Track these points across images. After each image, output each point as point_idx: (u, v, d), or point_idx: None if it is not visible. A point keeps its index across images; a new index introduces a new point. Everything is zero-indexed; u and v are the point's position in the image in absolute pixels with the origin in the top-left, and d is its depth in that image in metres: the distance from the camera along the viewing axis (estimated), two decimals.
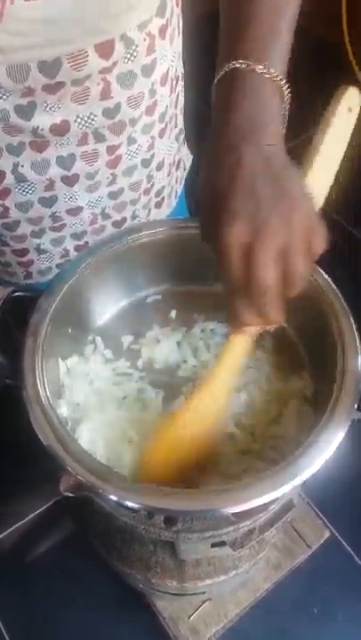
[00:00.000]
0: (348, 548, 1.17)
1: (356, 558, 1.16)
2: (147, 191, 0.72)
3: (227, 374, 0.54)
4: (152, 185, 0.73)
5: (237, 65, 0.47)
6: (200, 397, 0.54)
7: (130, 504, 0.46)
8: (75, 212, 0.67)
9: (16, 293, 0.59)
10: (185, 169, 0.84)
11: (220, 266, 0.43)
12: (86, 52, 0.51)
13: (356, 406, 0.50)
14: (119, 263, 0.64)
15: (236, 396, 0.61)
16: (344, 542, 1.17)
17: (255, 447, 0.59)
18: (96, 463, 0.48)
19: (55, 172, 0.61)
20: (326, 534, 1.02)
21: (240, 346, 0.52)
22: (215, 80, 0.49)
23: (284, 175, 0.43)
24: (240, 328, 0.50)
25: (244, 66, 0.47)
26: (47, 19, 0.47)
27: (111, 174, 0.65)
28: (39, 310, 0.57)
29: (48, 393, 0.52)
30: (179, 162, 0.79)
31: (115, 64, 0.54)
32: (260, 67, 0.46)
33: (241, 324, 0.48)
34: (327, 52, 1.94)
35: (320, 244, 0.44)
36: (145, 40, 0.55)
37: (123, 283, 0.68)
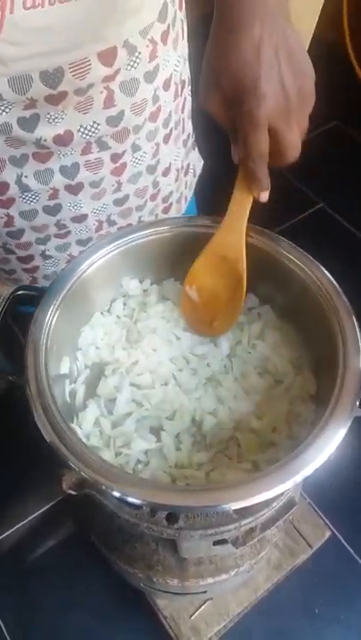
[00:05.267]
0: (349, 548, 1.17)
1: (357, 558, 1.16)
2: (153, 197, 0.73)
3: (238, 220, 0.58)
4: (158, 191, 0.73)
5: None
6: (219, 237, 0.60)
7: (132, 500, 0.46)
8: (80, 219, 0.68)
9: (20, 291, 0.59)
10: (195, 174, 0.84)
11: (246, 136, 0.49)
12: (89, 60, 0.51)
13: (358, 404, 0.50)
14: (123, 261, 0.65)
15: (245, 397, 0.62)
16: (345, 542, 1.17)
17: (276, 439, 0.59)
18: (99, 460, 0.48)
19: (59, 181, 0.61)
20: (327, 534, 1.02)
21: (247, 200, 0.57)
22: None
23: (298, 50, 0.48)
24: (249, 186, 0.55)
25: None
26: (49, 27, 0.47)
27: (116, 182, 0.65)
28: (42, 308, 0.57)
29: (51, 390, 0.52)
30: (187, 167, 0.79)
31: (117, 72, 0.54)
32: None
33: (253, 181, 0.53)
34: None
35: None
36: (147, 46, 0.55)
37: (125, 280, 0.69)
